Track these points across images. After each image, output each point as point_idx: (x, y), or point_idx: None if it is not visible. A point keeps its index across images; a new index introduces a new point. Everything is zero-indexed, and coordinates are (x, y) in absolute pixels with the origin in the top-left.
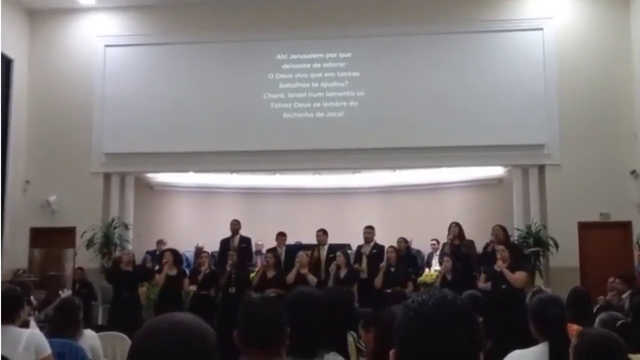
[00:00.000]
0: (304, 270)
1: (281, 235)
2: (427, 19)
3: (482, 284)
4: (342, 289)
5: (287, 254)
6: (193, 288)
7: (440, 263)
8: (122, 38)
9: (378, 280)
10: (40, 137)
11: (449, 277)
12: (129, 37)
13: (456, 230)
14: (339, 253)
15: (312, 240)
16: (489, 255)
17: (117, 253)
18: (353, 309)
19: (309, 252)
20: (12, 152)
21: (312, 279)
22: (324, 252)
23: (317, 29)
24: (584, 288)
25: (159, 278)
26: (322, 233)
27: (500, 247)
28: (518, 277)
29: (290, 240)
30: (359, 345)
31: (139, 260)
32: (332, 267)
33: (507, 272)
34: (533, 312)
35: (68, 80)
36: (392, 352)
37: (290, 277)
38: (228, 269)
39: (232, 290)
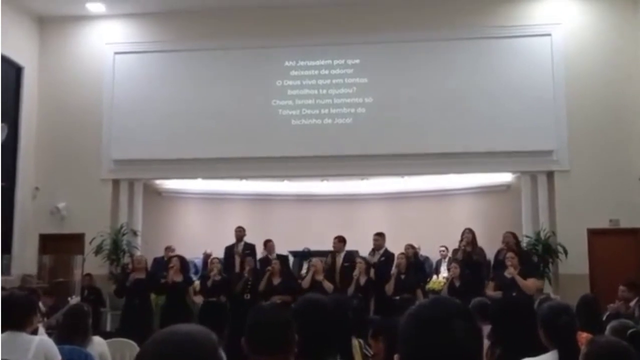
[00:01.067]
0: (320, 277)
1: (268, 242)
2: (435, 25)
3: (491, 292)
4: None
5: (282, 259)
6: (198, 299)
7: (449, 270)
8: (132, 45)
9: (389, 287)
10: (50, 144)
11: (457, 284)
12: (138, 44)
13: (470, 236)
14: (359, 259)
15: (320, 246)
16: (501, 263)
17: (127, 259)
18: (363, 316)
19: (322, 259)
20: (22, 158)
21: (328, 285)
22: (339, 259)
23: (325, 35)
24: (593, 295)
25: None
26: (338, 240)
27: (510, 254)
28: (530, 283)
29: (298, 247)
30: (365, 351)
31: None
32: (356, 273)
33: (519, 279)
34: (543, 320)
35: (78, 87)
36: (395, 356)
37: (306, 282)
38: (245, 275)
39: (248, 296)
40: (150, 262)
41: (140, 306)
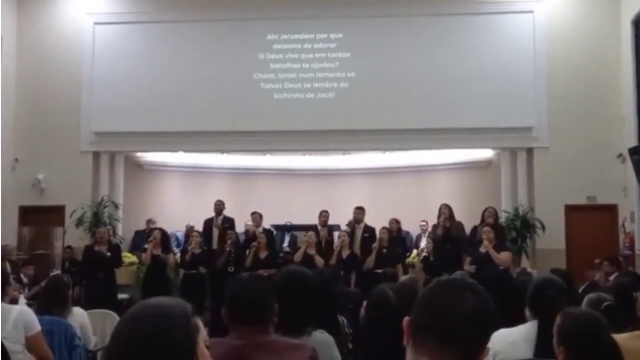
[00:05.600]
0: (312, 251)
1: (253, 214)
2: (417, 0)
3: (467, 266)
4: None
5: (268, 233)
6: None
7: None
8: (112, 16)
9: (370, 261)
10: (29, 115)
11: (431, 259)
12: (119, 14)
13: (447, 211)
14: (343, 233)
15: (301, 221)
16: (475, 237)
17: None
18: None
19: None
20: (1, 129)
21: (319, 260)
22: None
23: (308, 9)
24: (565, 269)
25: (145, 257)
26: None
27: (486, 228)
28: (503, 257)
29: (280, 221)
30: (347, 330)
31: (128, 239)
32: (337, 245)
33: (492, 253)
34: (533, 292)
35: (57, 57)
36: (405, 319)
37: (298, 256)
38: (228, 248)
39: (231, 269)
40: (131, 235)
41: (104, 280)
